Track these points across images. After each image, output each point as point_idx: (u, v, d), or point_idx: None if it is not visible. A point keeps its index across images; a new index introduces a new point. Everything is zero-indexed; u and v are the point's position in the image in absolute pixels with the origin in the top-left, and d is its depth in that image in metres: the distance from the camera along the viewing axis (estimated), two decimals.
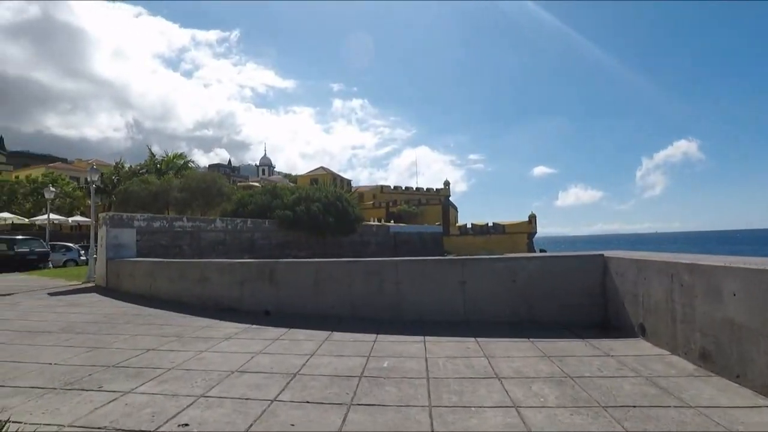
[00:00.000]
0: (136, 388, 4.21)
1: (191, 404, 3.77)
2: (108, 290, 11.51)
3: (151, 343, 5.95)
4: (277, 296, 7.99)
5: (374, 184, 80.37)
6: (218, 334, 6.39)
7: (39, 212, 34.00)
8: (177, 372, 4.68)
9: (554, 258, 6.65)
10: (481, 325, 6.35)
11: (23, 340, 6.17)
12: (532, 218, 56.89)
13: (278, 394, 3.96)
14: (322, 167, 76.60)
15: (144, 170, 34.97)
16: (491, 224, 58.22)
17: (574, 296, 6.24)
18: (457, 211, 73.54)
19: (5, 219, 33.35)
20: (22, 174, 45.43)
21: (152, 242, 13.84)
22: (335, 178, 65.02)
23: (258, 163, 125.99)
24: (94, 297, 10.36)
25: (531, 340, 5.58)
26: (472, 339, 5.72)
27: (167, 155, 35.11)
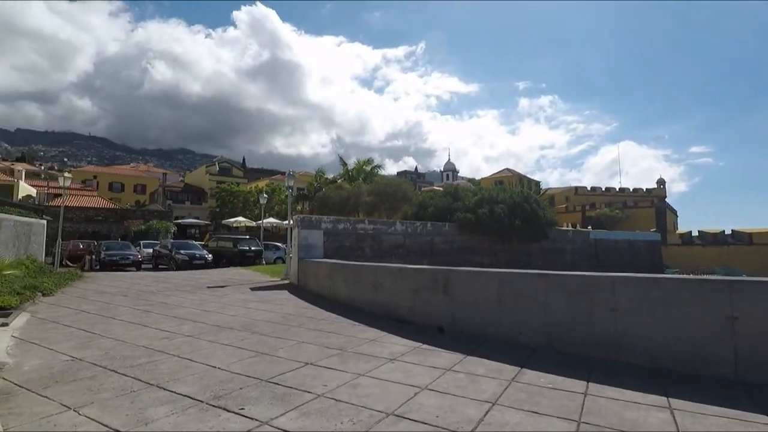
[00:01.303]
0: (275, 418, 3.46)
1: None
2: (297, 288, 12.07)
3: (312, 355, 5.36)
4: (452, 310, 6.74)
5: (566, 185, 73.00)
6: (383, 353, 5.45)
7: (264, 216, 40.29)
8: (325, 402, 3.82)
9: None
10: None
11: (208, 335, 6.32)
12: None
13: None
14: (507, 169, 73.05)
15: (340, 178, 38.66)
16: (729, 232, 46.01)
17: None
18: (676, 215, 60.96)
19: (240, 222, 40.90)
20: (253, 186, 55.63)
21: (337, 243, 14.28)
22: (521, 179, 60.88)
23: (442, 169, 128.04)
24: (283, 294, 10.86)
25: None
26: (763, 417, 3.43)
27: (357, 162, 38.02)
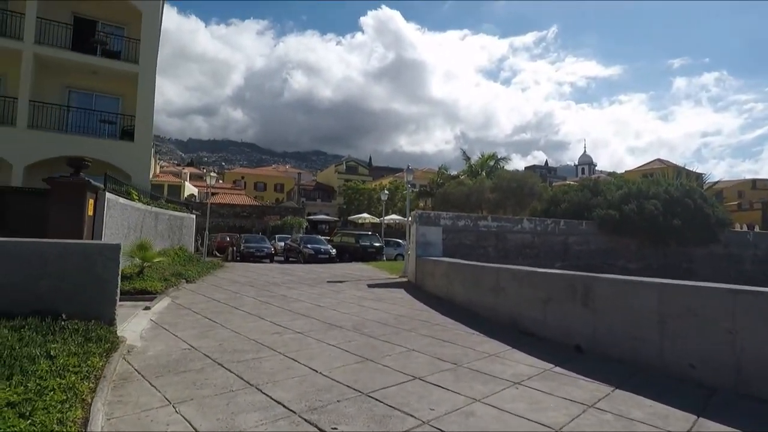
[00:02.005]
0: None
1: None
2: (414, 287, 11.59)
3: (421, 367, 4.73)
4: (593, 327, 5.52)
5: (738, 178, 60.96)
6: (505, 373, 4.58)
7: (387, 213, 41.09)
8: None
9: None
10: None
11: (317, 334, 6.09)
12: None
13: None
14: (658, 159, 63.15)
15: (463, 174, 37.50)
16: None
17: None
18: None
19: (365, 218, 42.34)
20: (377, 183, 57.41)
21: (457, 241, 13.45)
22: (679, 171, 52.01)
23: (577, 163, 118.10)
24: (399, 293, 10.45)
25: None
26: None
27: (481, 156, 36.35)
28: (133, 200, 10.02)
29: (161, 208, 12.91)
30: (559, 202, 19.12)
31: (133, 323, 6.12)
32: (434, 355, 5.24)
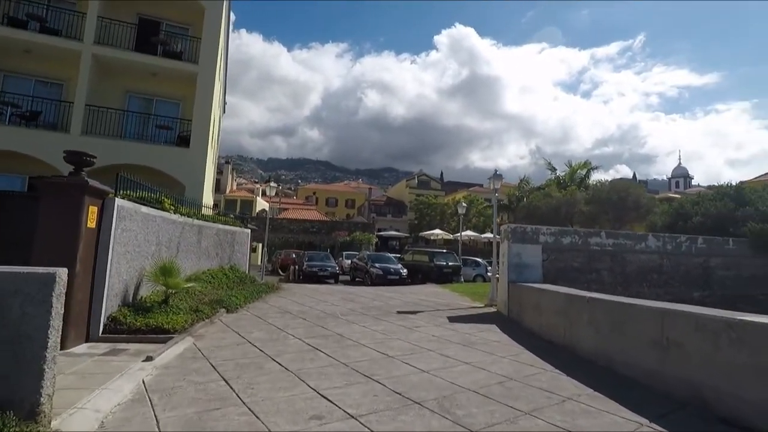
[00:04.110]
0: None
1: None
2: (509, 322, 8.97)
3: None
4: None
5: None
6: None
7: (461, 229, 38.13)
8: None
9: None
10: None
11: (380, 422, 3.80)
12: None
13: None
14: None
15: (547, 186, 33.58)
16: None
17: None
18: None
19: (437, 235, 39.68)
20: (450, 198, 54.46)
21: (561, 263, 10.56)
22: None
23: (669, 176, 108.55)
24: (492, 333, 7.87)
25: None
26: None
27: (570, 167, 32.07)
28: (167, 210, 8.45)
29: (208, 220, 11.38)
30: (688, 216, 15.26)
31: (109, 392, 4.04)
32: None
